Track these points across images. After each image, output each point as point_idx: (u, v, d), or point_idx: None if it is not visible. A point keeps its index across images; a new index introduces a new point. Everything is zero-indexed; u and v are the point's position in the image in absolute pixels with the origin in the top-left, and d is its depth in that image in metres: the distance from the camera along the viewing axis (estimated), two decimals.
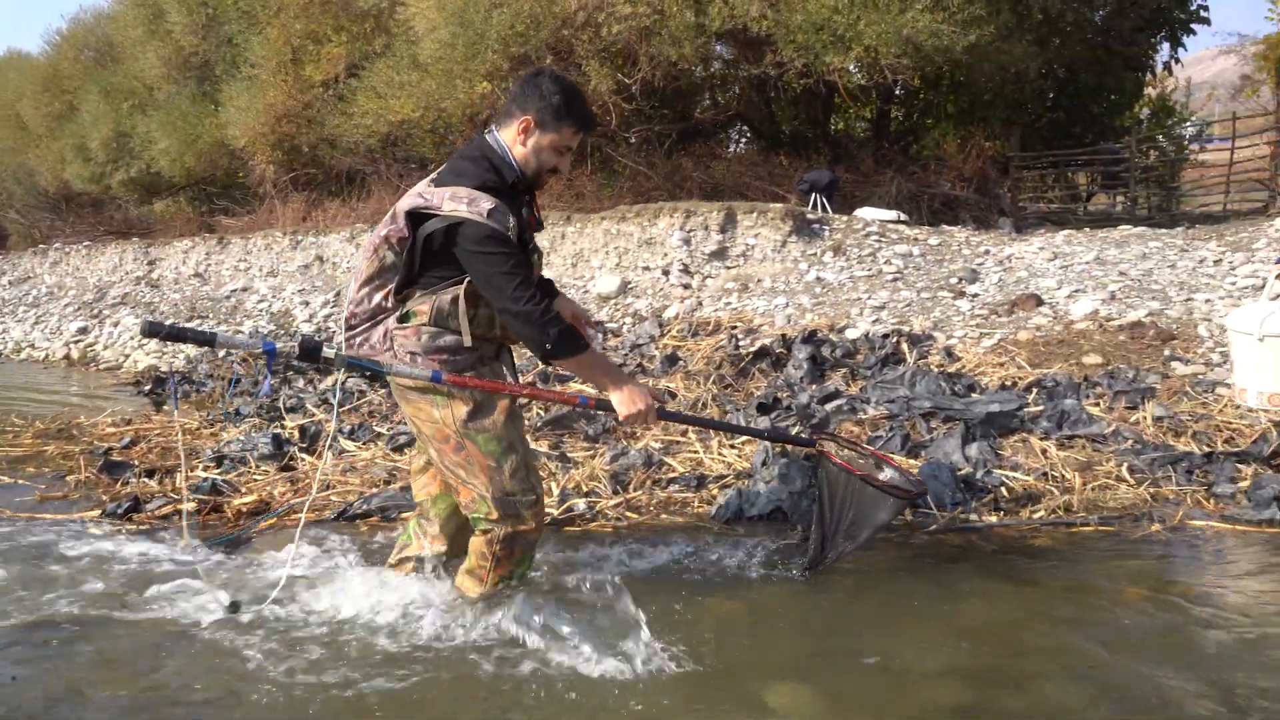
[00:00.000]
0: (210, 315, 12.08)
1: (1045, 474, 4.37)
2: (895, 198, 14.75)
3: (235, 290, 13.45)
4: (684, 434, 4.94)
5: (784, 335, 6.54)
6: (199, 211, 20.55)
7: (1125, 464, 4.44)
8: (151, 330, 2.62)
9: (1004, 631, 2.90)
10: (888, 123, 19.29)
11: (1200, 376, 5.61)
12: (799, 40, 13.86)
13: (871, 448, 3.47)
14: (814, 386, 5.65)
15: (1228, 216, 14.58)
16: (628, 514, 3.96)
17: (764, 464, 4.23)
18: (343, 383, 6.99)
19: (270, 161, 17.57)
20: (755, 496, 3.90)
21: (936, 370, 5.88)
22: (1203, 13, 18.29)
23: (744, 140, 21.36)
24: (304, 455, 4.92)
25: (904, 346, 6.48)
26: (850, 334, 7.12)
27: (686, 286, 9.46)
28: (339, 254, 13.03)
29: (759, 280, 9.16)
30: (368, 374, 2.83)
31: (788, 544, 3.63)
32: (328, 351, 2.72)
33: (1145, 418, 5.03)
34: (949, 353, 6.41)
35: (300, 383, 7.17)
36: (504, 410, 2.77)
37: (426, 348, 2.70)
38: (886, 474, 3.20)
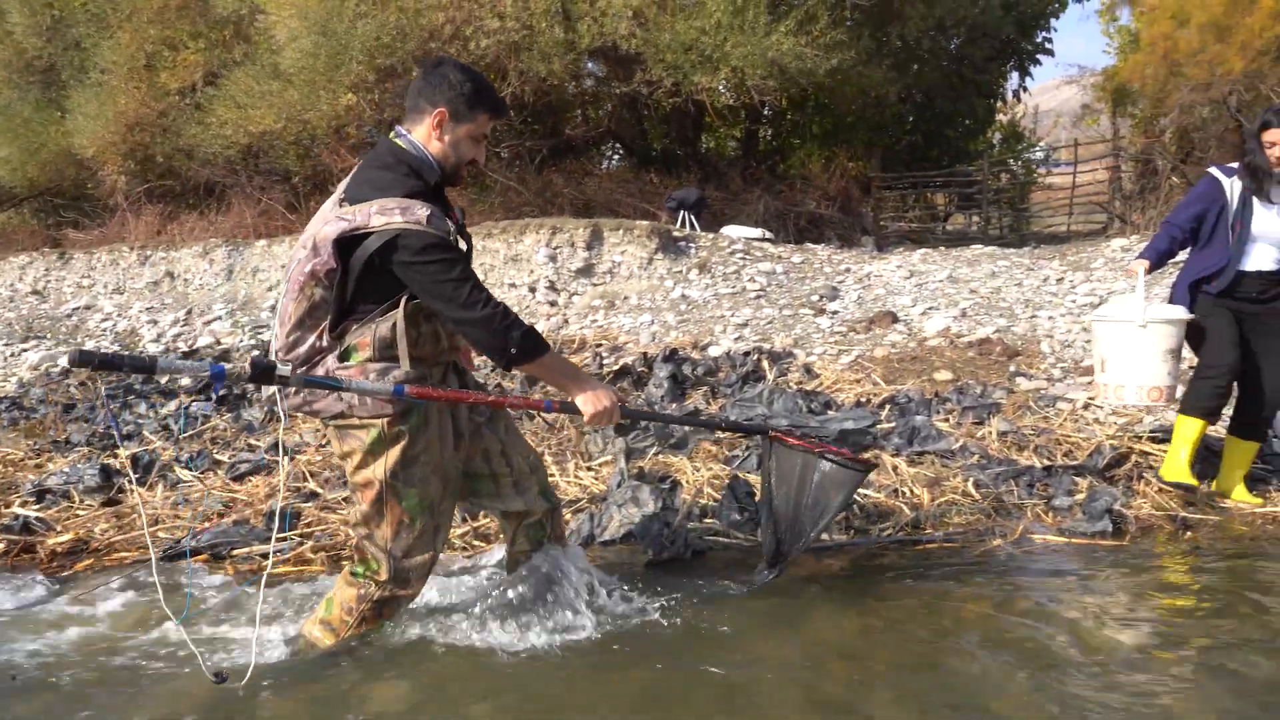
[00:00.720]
0: (49, 335, 11.31)
1: (896, 490, 4.44)
2: (763, 216, 15.04)
3: (77, 308, 12.64)
4: (540, 457, 4.83)
5: (645, 353, 6.51)
6: (44, 224, 19.33)
7: (971, 479, 4.55)
8: (82, 360, 2.30)
9: (850, 653, 2.89)
10: (756, 142, 19.69)
11: (1042, 391, 5.84)
12: (668, 59, 13.99)
13: (815, 440, 3.37)
14: (675, 405, 5.63)
15: (1070, 237, 15.38)
16: (474, 543, 3.82)
17: (619, 485, 4.16)
18: (186, 406, 6.65)
19: (122, 172, 16.67)
20: (607, 520, 3.82)
21: (795, 388, 5.94)
22: (1047, 45, 19.35)
23: (616, 157, 21.50)
24: (135, 487, 4.59)
25: (764, 364, 6.54)
26: (713, 351, 7.15)
27: (553, 304, 9.37)
28: (191, 270, 12.42)
29: (625, 297, 9.14)
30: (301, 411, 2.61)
31: (633, 566, 3.57)
32: (283, 370, 2.45)
33: (991, 433, 5.18)
34: (808, 370, 6.50)
35: (142, 407, 6.75)
36: (435, 468, 2.65)
37: (376, 386, 2.52)
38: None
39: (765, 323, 8.00)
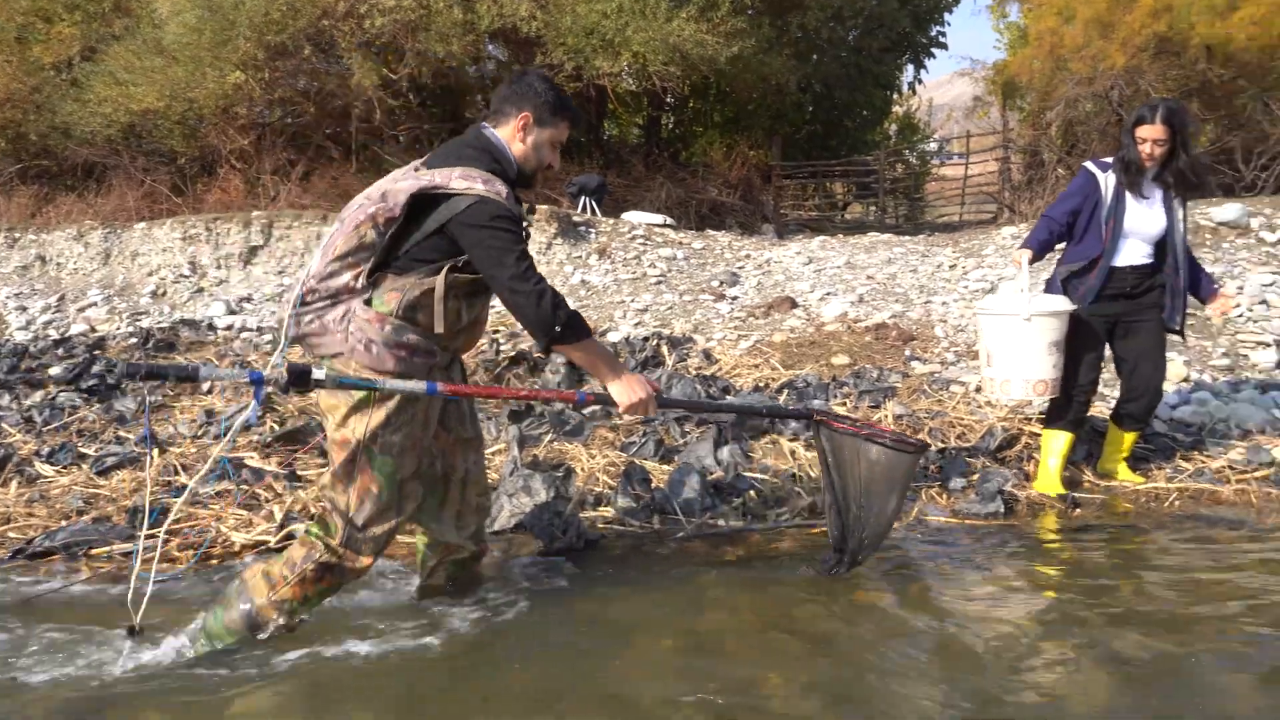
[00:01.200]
0: None
1: (793, 475, 4.41)
2: (665, 203, 15.00)
3: None
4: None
5: None
6: None
7: None
8: (130, 372, 2.36)
9: (743, 642, 2.83)
10: (659, 129, 19.64)
11: (936, 375, 5.90)
12: (569, 43, 13.82)
13: (862, 421, 3.23)
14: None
15: (963, 225, 15.75)
16: None
17: (511, 473, 4.03)
18: (52, 397, 6.24)
19: None
20: (498, 511, 3.68)
21: (694, 373, 5.89)
22: (941, 38, 19.75)
23: None
24: None
25: (664, 349, 6.46)
26: (613, 337, 7.05)
27: None
28: (65, 254, 11.73)
29: None
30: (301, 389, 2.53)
31: (524, 560, 3.45)
32: (318, 374, 2.49)
33: (887, 416, 5.21)
34: (707, 355, 6.45)
35: (4, 399, 6.31)
36: (414, 444, 2.65)
37: (387, 340, 2.55)
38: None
39: (665, 308, 7.94)
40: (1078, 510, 4.03)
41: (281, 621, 2.65)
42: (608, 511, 3.86)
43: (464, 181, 2.51)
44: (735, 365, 6.24)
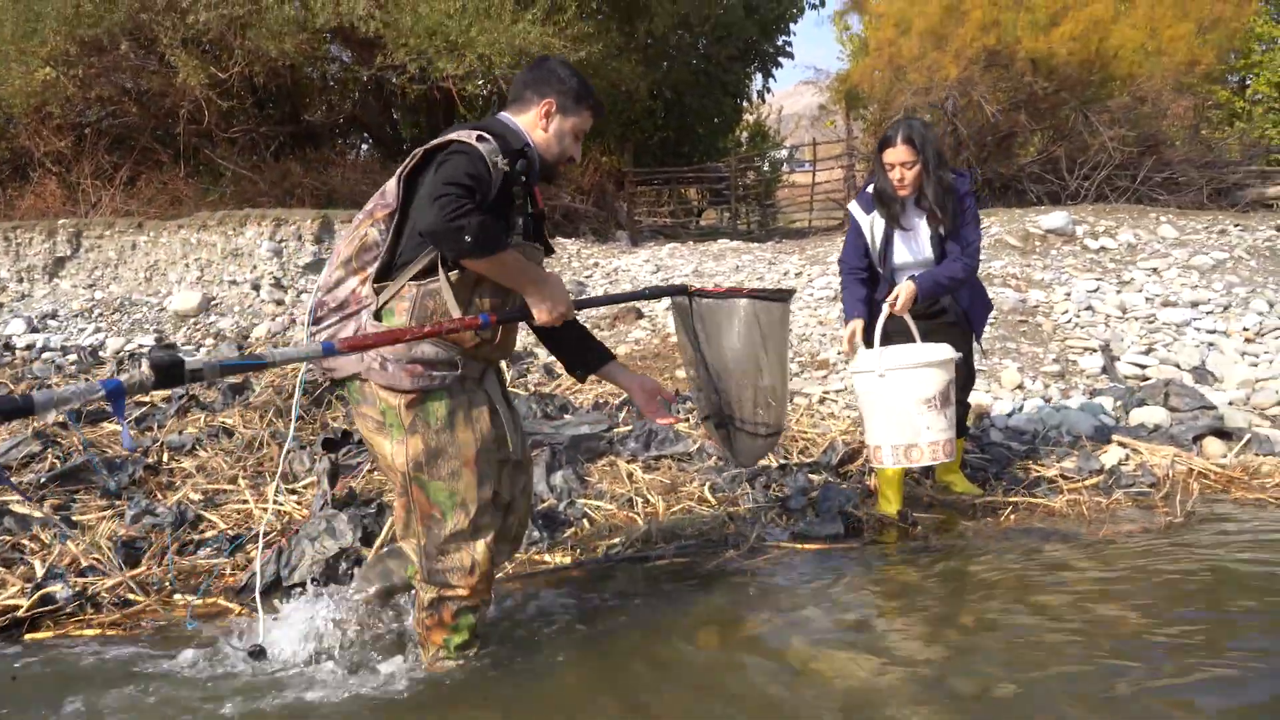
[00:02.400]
0: None
1: (630, 500, 4.18)
2: None
3: None
4: (233, 481, 4.22)
5: None
6: None
7: (708, 483, 4.37)
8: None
9: (564, 694, 2.56)
10: None
11: None
12: (412, 44, 13.31)
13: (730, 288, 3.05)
14: None
15: (811, 232, 16.00)
16: (130, 596, 3.19)
17: (320, 509, 3.65)
18: None
19: None
20: (298, 558, 3.30)
21: (533, 390, 5.60)
22: (787, 48, 20.11)
23: (365, 147, 20.41)
24: None
25: (503, 365, 6.14)
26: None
27: (279, 303, 8.56)
28: None
29: None
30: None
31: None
32: (193, 363, 2.09)
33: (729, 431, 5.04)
34: (548, 370, 6.18)
35: None
36: (468, 462, 2.46)
37: (399, 355, 2.36)
38: None
39: None
40: (916, 528, 3.94)
41: (449, 668, 2.58)
42: None
43: (448, 137, 2.35)
44: (575, 381, 5.97)
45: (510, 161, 2.38)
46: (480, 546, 2.50)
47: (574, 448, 4.51)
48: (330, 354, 2.25)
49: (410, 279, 2.35)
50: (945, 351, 3.67)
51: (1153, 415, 5.44)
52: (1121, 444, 5.04)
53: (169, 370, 2.02)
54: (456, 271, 2.34)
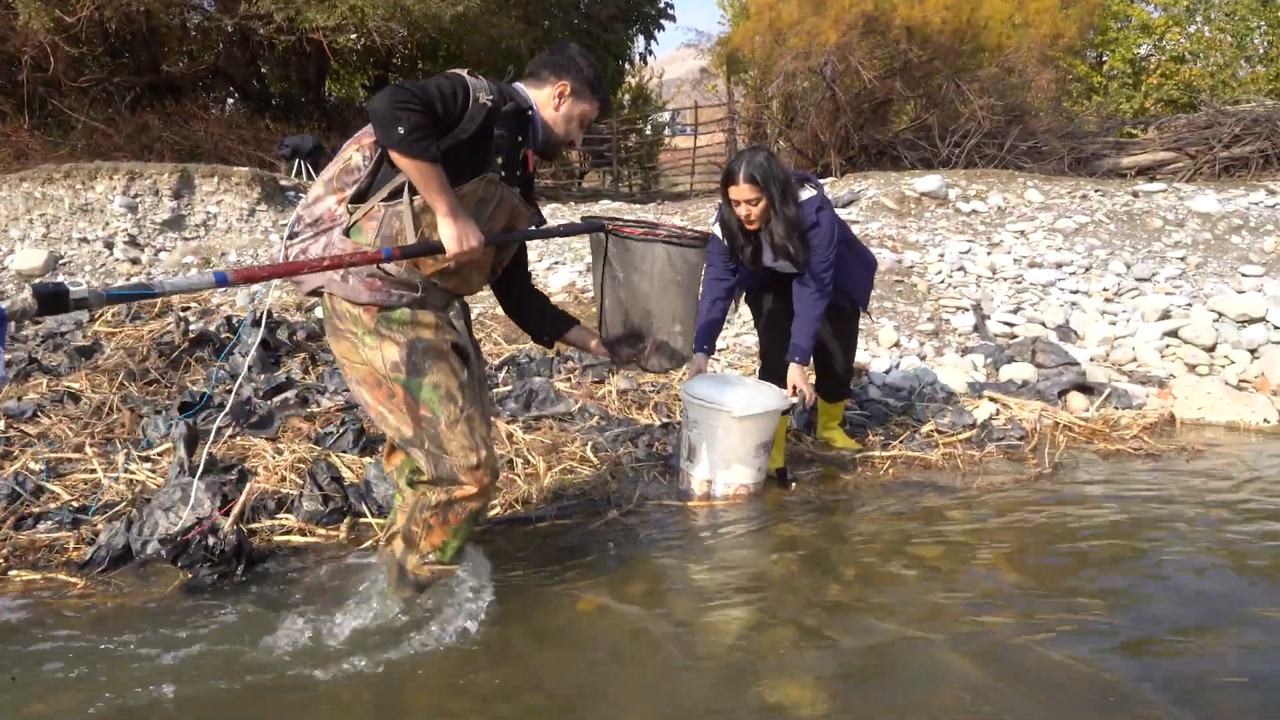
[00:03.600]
0: None
1: (510, 461, 4.06)
2: None
3: None
4: (80, 449, 3.91)
5: (230, 319, 5.62)
6: None
7: (590, 443, 4.28)
8: None
9: (443, 658, 2.44)
10: None
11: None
12: None
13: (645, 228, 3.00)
14: (264, 376, 4.87)
15: (692, 194, 16.01)
16: None
17: (178, 476, 3.41)
18: None
19: None
20: (151, 529, 3.06)
21: None
22: (669, 10, 19.97)
23: (231, 101, 19.41)
24: None
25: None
26: (319, 312, 6.40)
27: (135, 261, 8.04)
28: None
29: (224, 254, 8.04)
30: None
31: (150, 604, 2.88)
32: (78, 292, 2.00)
33: (611, 391, 4.97)
34: None
35: None
36: (440, 354, 2.49)
37: (359, 269, 2.41)
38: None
39: None
40: (794, 485, 3.94)
41: (437, 571, 2.62)
42: (289, 520, 3.33)
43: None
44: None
45: (499, 103, 2.43)
46: (478, 439, 2.52)
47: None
48: (223, 284, 2.17)
49: (381, 200, 2.40)
50: (781, 398, 3.81)
51: (1021, 371, 5.61)
52: (992, 399, 5.18)
53: (53, 298, 1.95)
54: (420, 199, 2.37)
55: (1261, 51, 19.14)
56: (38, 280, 2.04)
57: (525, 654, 2.50)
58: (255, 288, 7.19)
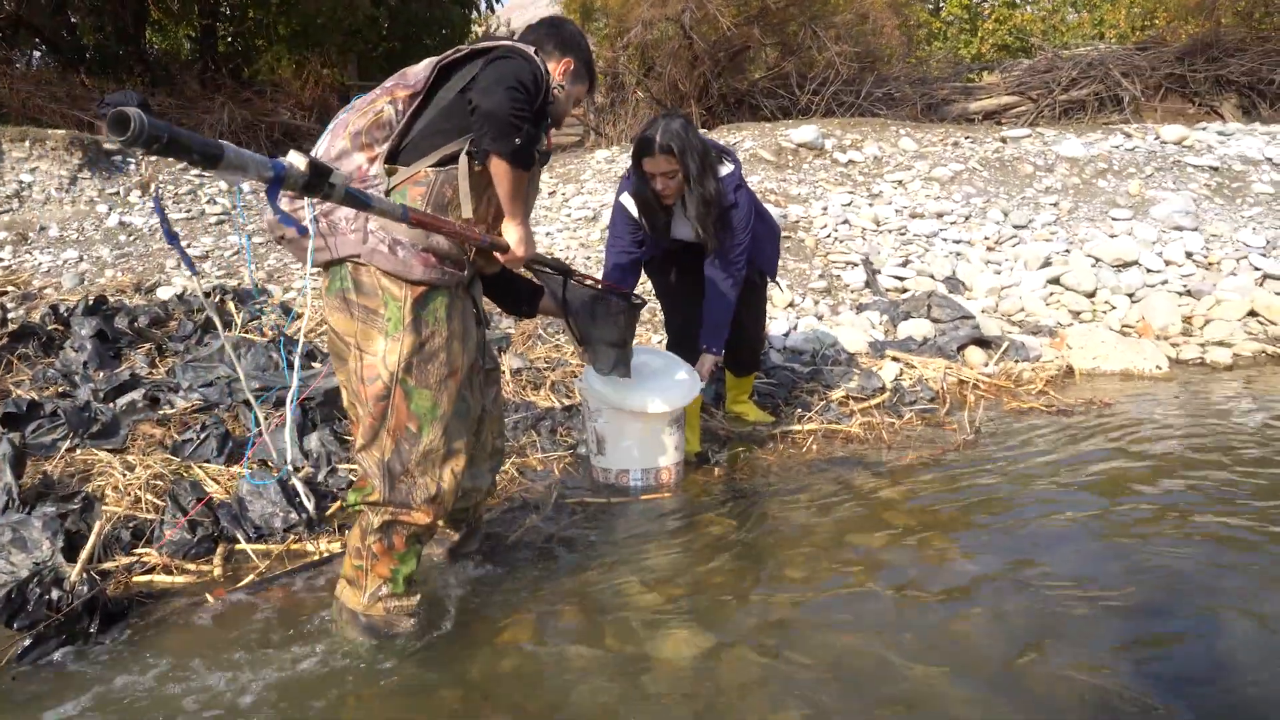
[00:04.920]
0: None
1: None
2: (229, 127, 13.12)
3: None
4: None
5: (56, 306, 4.90)
6: None
7: None
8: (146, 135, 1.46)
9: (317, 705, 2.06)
10: (214, 42, 17.23)
11: (551, 319, 5.36)
12: None
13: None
14: (102, 374, 4.24)
15: (556, 150, 15.49)
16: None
17: (6, 506, 2.85)
18: None
19: None
20: None
21: (271, 336, 4.84)
22: None
23: (38, 55, 17.58)
24: None
25: (231, 306, 5.30)
26: (163, 293, 5.73)
27: None
28: None
29: (42, 228, 7.13)
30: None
31: None
32: (336, 178, 1.84)
33: (504, 371, 4.58)
34: (286, 309, 5.39)
35: None
36: (454, 373, 2.29)
37: (416, 242, 2.20)
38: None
39: (232, 254, 6.66)
40: (716, 469, 3.66)
41: (393, 608, 2.35)
42: (150, 554, 2.83)
43: (500, 43, 2.24)
44: (322, 323, 5.25)
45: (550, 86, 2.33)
46: (448, 474, 2.31)
47: (330, 403, 3.88)
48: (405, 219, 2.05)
49: (430, 165, 2.21)
50: (689, 378, 3.53)
51: (919, 328, 5.51)
52: (895, 359, 5.05)
53: (319, 176, 1.79)
54: (480, 167, 2.21)
55: None
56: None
57: (453, 697, 2.14)
58: (84, 265, 6.41)
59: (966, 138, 8.98)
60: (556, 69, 2.50)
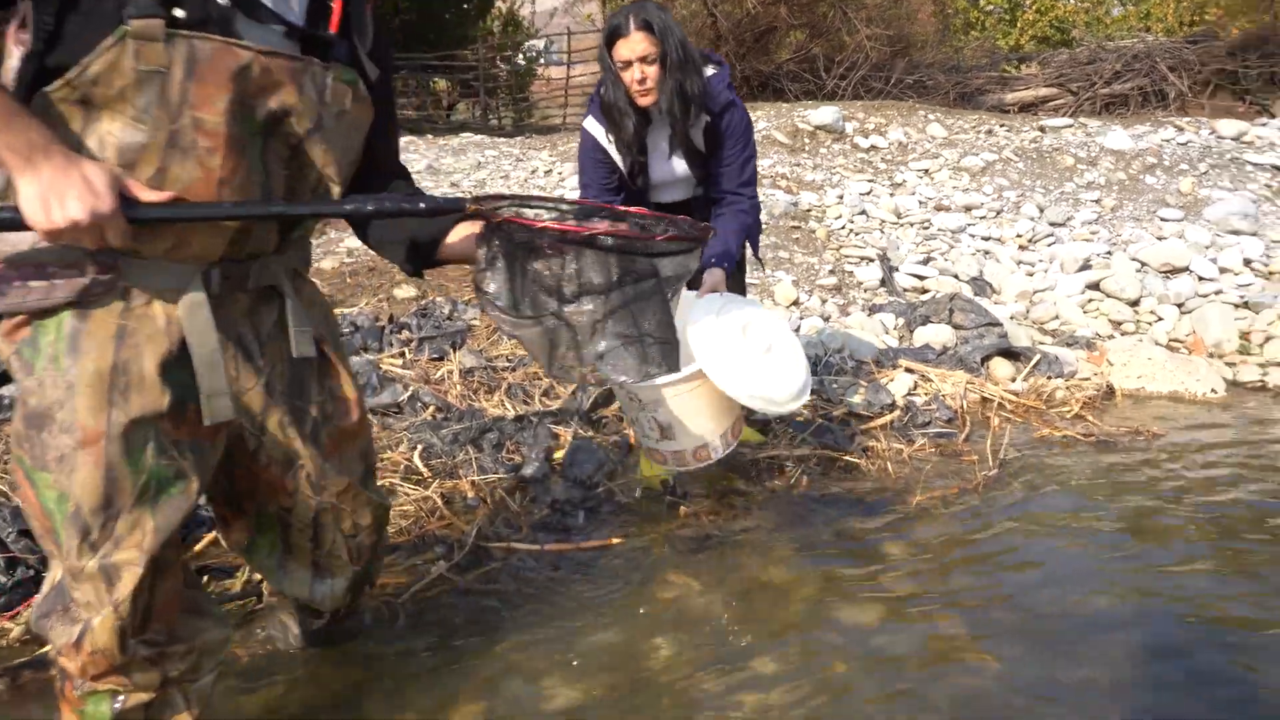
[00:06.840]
0: None
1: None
2: None
3: None
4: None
5: None
6: None
7: (420, 445, 3.30)
8: None
9: None
10: None
11: None
12: None
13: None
14: None
15: (565, 129, 14.93)
16: None
17: None
18: None
19: None
20: None
21: None
22: None
23: None
24: None
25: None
26: None
27: None
28: None
29: None
30: None
31: None
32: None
33: (453, 371, 3.98)
34: None
35: None
36: (88, 440, 1.39)
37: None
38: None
39: None
40: (685, 509, 3.01)
41: None
42: None
43: None
44: None
45: None
46: (107, 610, 1.43)
47: None
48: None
49: None
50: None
51: (938, 334, 4.86)
52: (910, 370, 4.41)
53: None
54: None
55: None
56: None
57: None
58: None
59: (1001, 125, 8.29)
60: None
